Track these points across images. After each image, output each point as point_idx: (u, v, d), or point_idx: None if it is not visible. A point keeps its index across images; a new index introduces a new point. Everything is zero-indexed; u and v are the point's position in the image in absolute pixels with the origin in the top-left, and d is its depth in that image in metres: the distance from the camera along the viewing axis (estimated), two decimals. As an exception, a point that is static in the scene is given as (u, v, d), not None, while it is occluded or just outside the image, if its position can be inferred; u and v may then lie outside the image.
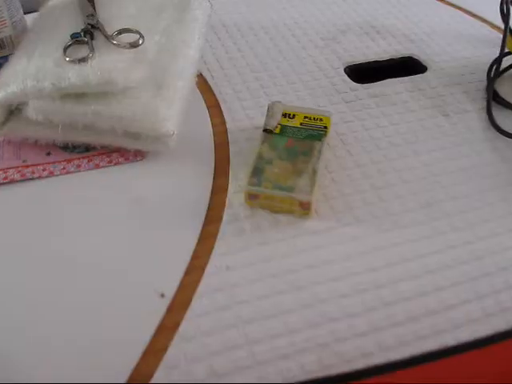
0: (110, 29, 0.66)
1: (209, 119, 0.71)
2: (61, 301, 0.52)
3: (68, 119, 0.62)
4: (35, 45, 0.66)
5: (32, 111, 0.61)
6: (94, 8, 0.71)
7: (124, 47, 0.63)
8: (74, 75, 0.60)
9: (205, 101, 0.74)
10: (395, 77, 0.79)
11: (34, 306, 0.51)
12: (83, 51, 0.63)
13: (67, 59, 0.62)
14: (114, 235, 0.57)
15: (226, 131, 0.69)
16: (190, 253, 0.56)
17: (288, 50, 0.83)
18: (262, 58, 0.81)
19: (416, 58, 0.83)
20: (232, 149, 0.67)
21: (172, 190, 0.62)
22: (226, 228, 0.59)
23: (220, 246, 0.57)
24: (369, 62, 0.81)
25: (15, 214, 0.59)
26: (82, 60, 0.62)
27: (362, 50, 0.83)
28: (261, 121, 0.69)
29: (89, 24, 0.67)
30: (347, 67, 0.80)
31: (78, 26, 0.68)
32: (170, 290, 0.53)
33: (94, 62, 0.61)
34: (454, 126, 0.72)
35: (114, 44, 0.64)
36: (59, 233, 0.58)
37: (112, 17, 0.69)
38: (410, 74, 0.80)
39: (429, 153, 0.68)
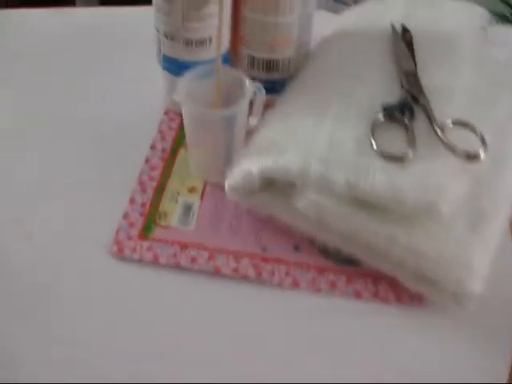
0: (439, 109, 0.46)
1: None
2: None
3: (349, 230, 0.43)
4: (327, 95, 0.48)
5: (304, 203, 0.44)
6: (415, 60, 0.51)
7: (458, 155, 0.43)
8: (381, 180, 0.41)
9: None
10: None
11: None
12: (399, 140, 0.44)
13: (375, 147, 0.43)
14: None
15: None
16: None
17: None
18: None
19: None
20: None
21: (455, 370, 0.43)
22: None
23: None
24: None
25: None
26: (399, 159, 0.42)
27: None
28: None
29: (409, 93, 0.47)
30: None
31: (391, 85, 0.48)
32: None
33: (414, 169, 0.42)
34: None
35: (446, 145, 0.43)
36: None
37: (440, 86, 0.48)
38: None
39: None
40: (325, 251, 0.47)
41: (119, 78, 0.61)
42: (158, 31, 0.51)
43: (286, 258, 0.47)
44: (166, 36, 0.50)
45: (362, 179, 0.42)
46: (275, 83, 0.55)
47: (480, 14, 0.58)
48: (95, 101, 0.59)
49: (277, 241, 0.48)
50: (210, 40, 0.50)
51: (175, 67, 0.52)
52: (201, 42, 0.50)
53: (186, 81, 0.47)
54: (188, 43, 0.50)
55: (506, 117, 0.49)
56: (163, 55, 0.52)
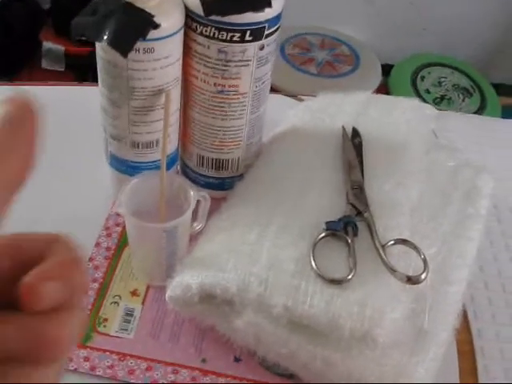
0: (384, 225, 0.46)
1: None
2: None
3: (285, 350, 0.43)
4: (271, 206, 0.48)
5: (242, 322, 0.43)
6: (363, 173, 0.50)
7: (400, 279, 0.43)
8: (319, 306, 0.41)
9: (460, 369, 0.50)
10: None
11: None
12: (339, 259, 0.44)
13: (314, 267, 0.43)
14: None
15: None
16: None
17: None
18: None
19: None
20: None
21: None
22: None
23: None
24: None
25: None
26: (337, 282, 0.42)
27: None
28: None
29: (354, 207, 0.47)
30: None
31: (337, 198, 0.48)
32: None
33: (352, 293, 0.41)
34: None
35: (387, 266, 0.43)
36: None
37: (386, 200, 0.48)
38: None
39: None
40: (265, 363, 0.47)
41: (67, 170, 0.59)
42: (105, 131, 0.51)
43: (226, 371, 0.46)
44: (112, 137, 0.50)
45: (300, 304, 0.41)
46: (224, 180, 0.55)
47: (429, 113, 0.58)
48: (42, 196, 0.56)
49: (217, 351, 0.47)
50: (157, 142, 0.50)
51: (122, 166, 0.51)
52: (147, 145, 0.50)
53: (128, 189, 0.46)
54: (134, 145, 0.50)
55: (451, 231, 0.50)
56: (110, 153, 0.52)
